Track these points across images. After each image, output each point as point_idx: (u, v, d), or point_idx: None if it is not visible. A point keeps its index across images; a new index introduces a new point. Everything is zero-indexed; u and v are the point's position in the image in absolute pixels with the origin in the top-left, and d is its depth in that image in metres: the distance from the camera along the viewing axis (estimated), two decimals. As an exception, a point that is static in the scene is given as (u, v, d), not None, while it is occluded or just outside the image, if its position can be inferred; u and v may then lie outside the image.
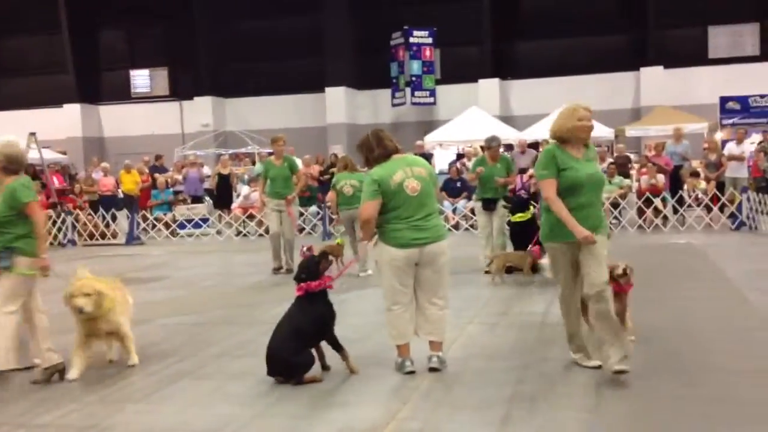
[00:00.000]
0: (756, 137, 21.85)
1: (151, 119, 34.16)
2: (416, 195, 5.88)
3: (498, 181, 11.04)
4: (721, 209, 16.37)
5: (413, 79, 31.28)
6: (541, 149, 19.14)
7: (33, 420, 5.38)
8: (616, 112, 27.96)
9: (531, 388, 5.52)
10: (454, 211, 17.61)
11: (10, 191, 6.24)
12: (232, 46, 33.46)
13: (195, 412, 5.41)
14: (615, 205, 16.65)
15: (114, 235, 18.87)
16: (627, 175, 18.38)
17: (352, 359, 6.11)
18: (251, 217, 18.52)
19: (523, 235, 11.04)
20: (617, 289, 6.27)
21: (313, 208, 18.54)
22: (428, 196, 5.97)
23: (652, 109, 26.61)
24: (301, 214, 17.94)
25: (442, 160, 23.73)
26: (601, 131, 24.20)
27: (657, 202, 16.23)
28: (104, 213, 19.13)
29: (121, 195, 21.54)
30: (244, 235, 18.42)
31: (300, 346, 5.88)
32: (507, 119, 28.72)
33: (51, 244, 18.03)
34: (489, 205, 11.16)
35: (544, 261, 11.11)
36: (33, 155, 21.42)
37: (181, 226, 19.27)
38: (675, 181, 17.40)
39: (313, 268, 6.07)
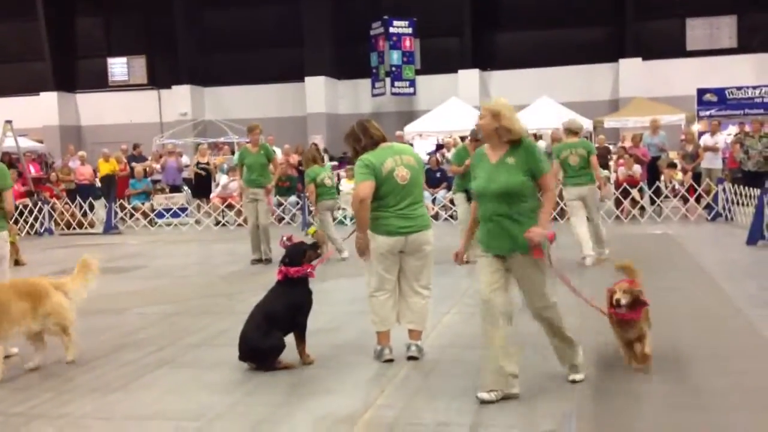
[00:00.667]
0: (732, 129, 22.07)
1: (129, 108, 33.88)
2: (405, 184, 5.88)
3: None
4: (698, 200, 16.54)
5: (393, 69, 31.26)
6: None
7: (8, 409, 5.34)
8: (594, 103, 28.18)
9: (508, 376, 5.55)
10: (433, 201, 17.64)
11: None
12: (211, 34, 33.24)
13: (173, 400, 5.41)
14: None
15: (91, 224, 18.72)
16: (606, 167, 18.50)
17: (311, 352, 6.07)
18: (230, 206, 18.45)
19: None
20: (619, 317, 5.48)
21: (293, 198, 18.49)
22: (416, 186, 5.97)
23: (630, 101, 26.79)
24: (280, 204, 17.90)
25: (422, 151, 23.73)
26: (580, 122, 24.34)
27: (634, 192, 16.35)
28: (81, 202, 18.97)
29: (98, 184, 21.36)
30: (223, 224, 18.34)
31: (270, 330, 5.86)
32: (487, 110, 28.76)
33: (28, 233, 17.90)
34: (470, 195, 11.17)
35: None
36: (9, 143, 21.23)
37: (160, 215, 19.15)
38: (652, 172, 17.54)
39: (297, 255, 6.06)
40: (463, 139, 17.29)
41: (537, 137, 19.53)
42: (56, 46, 33.98)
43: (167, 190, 20.34)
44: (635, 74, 28.83)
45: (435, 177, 18.06)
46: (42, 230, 18.35)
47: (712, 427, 4.56)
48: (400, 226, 5.85)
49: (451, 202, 15.77)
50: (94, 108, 34.68)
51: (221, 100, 33.52)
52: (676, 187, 16.95)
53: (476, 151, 5.35)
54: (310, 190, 12.08)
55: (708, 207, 16.14)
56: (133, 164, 21.19)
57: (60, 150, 30.63)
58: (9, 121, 20.40)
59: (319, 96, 31.90)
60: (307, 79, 31.89)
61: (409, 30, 31.26)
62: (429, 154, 21.17)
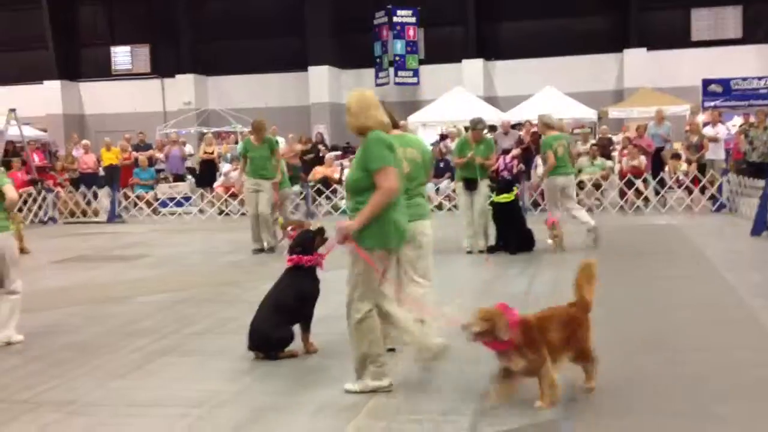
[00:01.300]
0: (737, 120, 22.00)
1: (132, 97, 33.80)
2: (402, 176, 5.82)
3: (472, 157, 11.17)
4: (702, 191, 16.51)
5: (397, 58, 31.14)
6: (523, 130, 19.23)
7: (13, 396, 5.37)
8: (599, 93, 28.04)
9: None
10: (437, 191, 17.63)
11: None
12: (214, 23, 33.11)
13: (178, 387, 5.43)
14: (597, 186, 16.82)
15: (95, 213, 18.75)
16: (609, 157, 18.49)
17: (314, 341, 6.13)
18: (234, 195, 18.45)
19: (505, 215, 11.12)
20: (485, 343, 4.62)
21: (296, 188, 18.47)
22: (412, 180, 5.89)
23: (635, 91, 26.70)
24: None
25: (425, 141, 23.68)
26: (585, 113, 24.31)
27: (638, 183, 16.33)
28: (85, 190, 18.99)
29: (102, 173, 21.38)
30: (227, 214, 18.36)
31: (281, 321, 5.91)
32: (491, 100, 28.72)
33: (32, 221, 17.93)
34: (470, 185, 11.21)
35: (549, 242, 11.20)
36: (13, 132, 21.23)
37: (163, 204, 19.18)
38: (656, 163, 17.52)
39: (308, 243, 6.11)
40: (467, 129, 17.27)
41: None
42: (60, 34, 33.88)
43: (171, 179, 20.36)
44: (640, 64, 28.70)
45: (438, 167, 18.04)
46: (46, 219, 18.39)
47: (711, 417, 4.56)
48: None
49: (455, 191, 15.76)
50: (98, 97, 34.61)
51: (225, 90, 33.46)
52: (681, 177, 16.92)
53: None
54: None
55: (712, 198, 16.12)
56: (138, 154, 21.18)
57: (63, 138, 30.61)
58: (12, 110, 20.39)
59: (323, 85, 31.81)
60: (310, 68, 31.79)
61: (413, 19, 31.13)
62: (432, 144, 21.13)
